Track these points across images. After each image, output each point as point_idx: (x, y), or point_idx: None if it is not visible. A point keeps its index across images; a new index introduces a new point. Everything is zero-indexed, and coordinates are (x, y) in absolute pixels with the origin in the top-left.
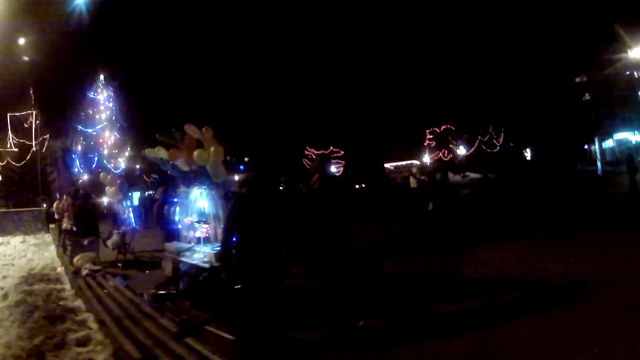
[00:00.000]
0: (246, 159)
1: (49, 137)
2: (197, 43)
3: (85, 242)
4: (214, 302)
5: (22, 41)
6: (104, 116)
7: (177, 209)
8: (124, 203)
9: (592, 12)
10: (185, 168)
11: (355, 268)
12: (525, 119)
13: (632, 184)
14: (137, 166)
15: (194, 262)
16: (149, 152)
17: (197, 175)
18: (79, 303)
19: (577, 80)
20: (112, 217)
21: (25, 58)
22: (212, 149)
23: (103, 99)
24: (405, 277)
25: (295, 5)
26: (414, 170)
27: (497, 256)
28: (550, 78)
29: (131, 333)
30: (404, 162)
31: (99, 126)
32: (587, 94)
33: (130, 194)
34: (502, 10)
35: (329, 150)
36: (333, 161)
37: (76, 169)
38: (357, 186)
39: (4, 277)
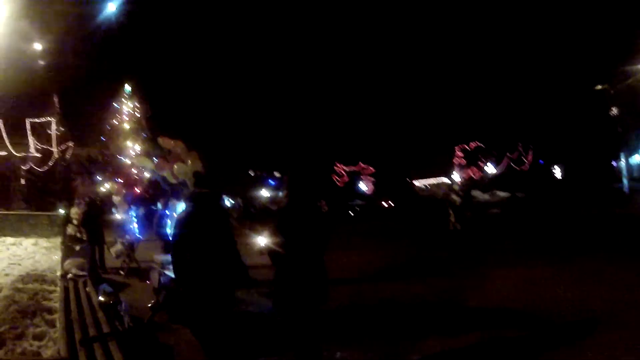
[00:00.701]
0: (277, 174)
1: (74, 145)
2: (224, 54)
3: (77, 247)
4: (187, 318)
5: (44, 46)
6: (128, 126)
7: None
8: (130, 213)
9: (621, 24)
10: (173, 180)
11: (326, 294)
12: (553, 136)
13: None
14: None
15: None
16: (139, 161)
17: (182, 188)
18: (57, 304)
19: (598, 87)
20: (118, 226)
21: (49, 64)
22: (189, 162)
23: (128, 109)
24: (404, 304)
25: (328, 17)
26: (456, 187)
27: (508, 283)
28: (577, 92)
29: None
30: (433, 180)
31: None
32: (613, 108)
33: (136, 205)
34: (531, 26)
35: (358, 167)
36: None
37: (98, 177)
38: (383, 203)
39: (6, 274)
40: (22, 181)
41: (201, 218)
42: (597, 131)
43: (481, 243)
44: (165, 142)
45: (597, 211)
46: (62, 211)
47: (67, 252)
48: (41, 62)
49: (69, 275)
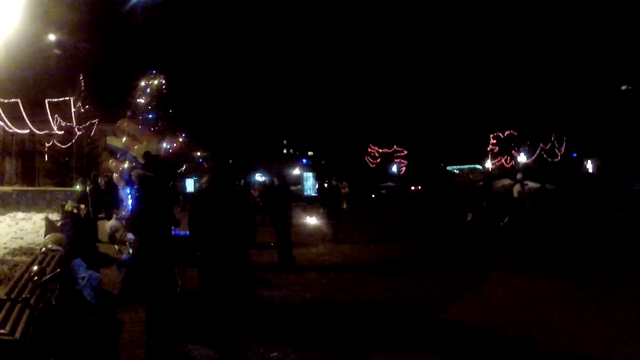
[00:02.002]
0: (310, 152)
1: (99, 122)
2: (244, 40)
3: (59, 223)
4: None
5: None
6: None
7: None
8: (126, 190)
9: None
10: (142, 160)
11: (249, 286)
12: (589, 129)
13: None
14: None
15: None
16: (110, 140)
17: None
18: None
19: (623, 88)
20: (115, 202)
21: (77, 43)
22: (144, 143)
23: (154, 89)
24: (373, 308)
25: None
26: (519, 176)
27: (498, 293)
28: (617, 89)
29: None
30: (465, 166)
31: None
32: None
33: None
34: (573, 14)
35: (392, 149)
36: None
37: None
38: (412, 188)
39: (5, 248)
40: (46, 158)
41: (146, 200)
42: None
43: (493, 241)
44: (122, 124)
45: (623, 215)
46: (78, 187)
47: (49, 228)
48: (65, 42)
49: (43, 249)
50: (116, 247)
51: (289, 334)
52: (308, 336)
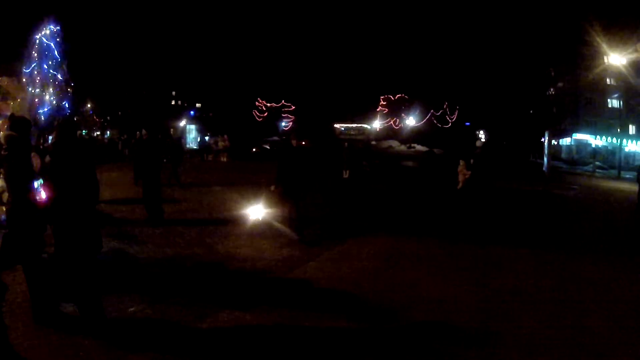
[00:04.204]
0: (198, 104)
1: None
2: None
3: None
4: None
5: None
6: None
7: None
8: None
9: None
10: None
11: (96, 242)
12: (485, 102)
13: None
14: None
15: None
16: None
17: None
18: None
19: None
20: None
21: None
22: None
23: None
24: (229, 264)
25: None
26: (478, 143)
27: (355, 251)
28: (519, 66)
29: None
30: (353, 125)
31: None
32: (552, 89)
33: None
34: None
35: (280, 104)
36: None
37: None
38: (303, 143)
39: None
40: None
41: (13, 160)
42: (531, 106)
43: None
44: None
45: (514, 185)
46: None
47: None
48: None
49: None
50: (3, 208)
51: (149, 289)
52: (166, 291)
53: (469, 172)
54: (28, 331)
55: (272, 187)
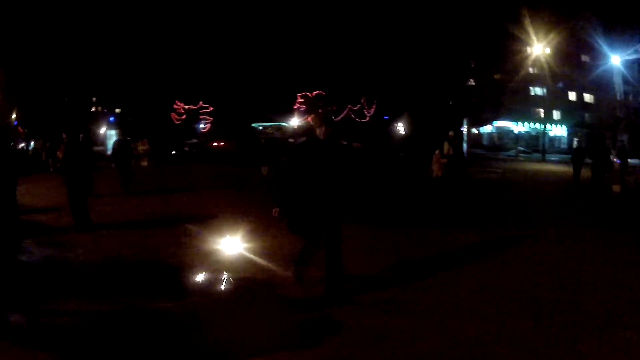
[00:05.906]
0: (117, 110)
1: None
2: None
3: None
4: None
5: None
6: None
7: None
8: None
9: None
10: None
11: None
12: (403, 95)
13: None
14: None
15: None
16: None
17: None
18: None
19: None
20: None
21: None
22: None
23: None
24: (157, 263)
25: None
26: (451, 133)
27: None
28: (437, 59)
29: None
30: (271, 124)
31: None
32: (472, 80)
33: None
34: None
35: (198, 106)
36: None
37: None
38: (215, 144)
39: None
40: None
41: None
42: (452, 99)
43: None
44: None
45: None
46: None
47: None
48: None
49: None
50: None
51: (80, 291)
52: (97, 291)
53: (445, 160)
54: None
55: (275, 212)
